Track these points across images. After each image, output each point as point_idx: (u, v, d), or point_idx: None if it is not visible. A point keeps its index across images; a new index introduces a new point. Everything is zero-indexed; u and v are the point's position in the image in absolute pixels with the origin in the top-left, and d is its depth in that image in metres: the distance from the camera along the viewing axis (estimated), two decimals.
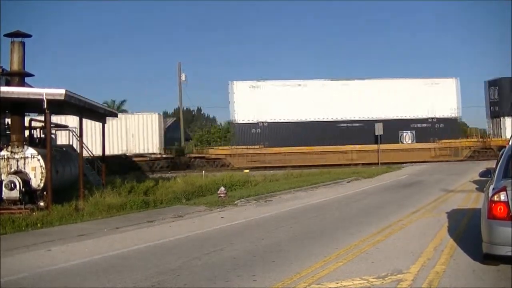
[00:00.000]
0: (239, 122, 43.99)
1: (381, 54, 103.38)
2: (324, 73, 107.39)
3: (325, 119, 43.53)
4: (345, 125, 44.06)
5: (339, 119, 43.89)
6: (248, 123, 43.59)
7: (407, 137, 44.53)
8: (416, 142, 44.13)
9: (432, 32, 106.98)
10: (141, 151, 40.71)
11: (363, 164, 39.41)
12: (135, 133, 40.56)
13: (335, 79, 45.52)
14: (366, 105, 43.56)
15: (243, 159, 42.31)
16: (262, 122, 43.51)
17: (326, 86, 44.59)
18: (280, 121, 43.41)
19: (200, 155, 43.16)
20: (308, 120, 43.40)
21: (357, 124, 43.93)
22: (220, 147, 44.50)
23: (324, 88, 44.22)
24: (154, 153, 41.14)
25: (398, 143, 44.17)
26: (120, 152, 39.94)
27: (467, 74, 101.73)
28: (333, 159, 41.97)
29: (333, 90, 44.07)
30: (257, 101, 43.00)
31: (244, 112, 43.60)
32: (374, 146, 41.09)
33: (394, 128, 43.23)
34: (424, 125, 44.77)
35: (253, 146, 42.80)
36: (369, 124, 42.68)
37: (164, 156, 41.47)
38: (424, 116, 44.73)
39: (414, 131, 44.55)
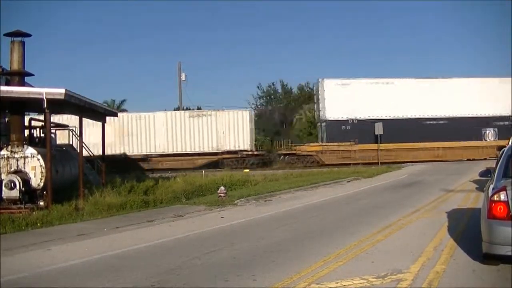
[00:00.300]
0: (329, 119, 44.25)
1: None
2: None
3: (410, 117, 44.03)
4: (430, 122, 44.51)
5: (424, 116, 44.35)
6: (338, 120, 43.86)
7: (490, 134, 45.05)
8: (499, 139, 44.03)
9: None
10: (232, 148, 41.04)
11: (449, 160, 41.41)
12: (226, 130, 40.92)
13: (419, 77, 46.21)
14: (449, 103, 44.02)
15: (334, 156, 42.83)
16: (352, 119, 43.88)
17: (411, 84, 45.03)
18: (369, 118, 43.69)
19: (290, 152, 43.74)
20: (395, 117, 43.81)
21: (442, 122, 44.47)
22: (311, 144, 45.24)
23: (409, 87, 44.69)
24: (245, 150, 41.46)
25: (481, 140, 44.79)
26: (210, 150, 40.48)
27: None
28: (420, 156, 42.79)
29: (418, 88, 44.55)
30: (347, 99, 43.45)
31: (334, 109, 43.91)
32: (460, 143, 42.58)
33: (475, 125, 43.81)
34: (506, 123, 44.94)
35: (343, 143, 43.10)
36: (453, 121, 43.47)
37: (255, 153, 41.85)
38: (505, 114, 44.91)
39: (496, 129, 45.00)
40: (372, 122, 42.36)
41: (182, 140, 40.86)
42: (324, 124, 44.99)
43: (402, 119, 43.82)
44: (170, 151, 40.88)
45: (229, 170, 36.42)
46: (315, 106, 47.80)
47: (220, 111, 42.27)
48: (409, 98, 43.84)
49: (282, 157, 42.98)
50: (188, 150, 40.97)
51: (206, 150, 40.51)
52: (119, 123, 39.68)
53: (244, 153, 41.40)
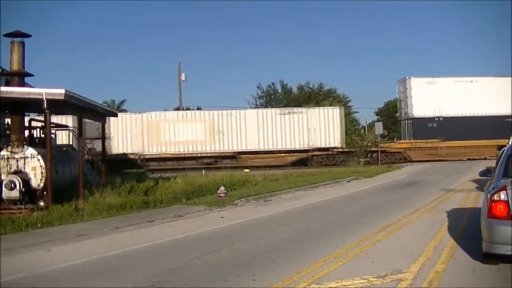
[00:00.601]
0: (415, 117, 44.99)
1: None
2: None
3: (494, 114, 44.27)
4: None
5: (506, 114, 44.38)
6: (425, 118, 44.62)
7: None
8: None
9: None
10: (323, 145, 41.39)
11: None
12: (316, 128, 41.28)
13: (501, 76, 46.18)
14: None
15: (421, 153, 43.41)
16: (438, 117, 44.66)
17: (495, 82, 45.35)
18: (454, 115, 44.43)
19: (380, 149, 43.94)
20: (479, 114, 44.14)
21: None
22: (400, 141, 46.15)
23: (492, 85, 45.02)
24: (335, 147, 41.78)
25: None
26: (301, 147, 40.97)
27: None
28: None
29: (501, 86, 44.68)
30: (432, 97, 44.20)
31: (420, 107, 44.72)
32: None
33: None
34: None
35: (430, 140, 43.74)
36: None
37: (345, 150, 42.23)
38: None
39: None
40: (457, 120, 43.36)
41: (273, 137, 41.29)
42: (410, 121, 45.95)
43: (485, 116, 44.20)
44: (261, 149, 41.28)
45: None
46: (398, 104, 49.41)
47: (311, 109, 42.91)
48: (491, 96, 44.28)
49: (370, 154, 43.57)
50: (280, 147, 41.30)
51: (297, 147, 40.89)
52: (209, 120, 40.57)
53: (335, 150, 41.91)
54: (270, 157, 41.08)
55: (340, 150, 41.89)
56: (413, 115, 45.24)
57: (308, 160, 41.44)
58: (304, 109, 42.33)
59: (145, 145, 40.19)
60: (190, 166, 38.12)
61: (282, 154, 41.20)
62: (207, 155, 40.47)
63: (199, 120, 40.94)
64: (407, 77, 46.35)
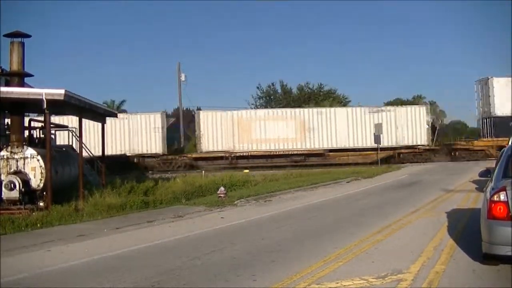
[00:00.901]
0: (497, 115, 45.31)
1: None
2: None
3: None
4: None
5: None
6: (507, 116, 44.57)
7: None
8: None
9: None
10: (410, 143, 42.37)
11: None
12: (404, 125, 42.23)
13: None
14: None
15: None
16: None
17: None
18: None
19: (464, 147, 44.98)
20: None
21: None
22: (484, 139, 46.34)
23: None
24: (422, 145, 42.72)
25: None
26: (389, 145, 41.93)
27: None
28: None
29: None
30: None
31: (502, 106, 44.98)
32: None
33: None
34: None
35: None
36: None
37: (432, 147, 43.17)
38: None
39: None
40: None
41: (362, 135, 42.12)
42: (491, 120, 46.27)
43: None
44: (350, 146, 42.06)
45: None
46: (476, 103, 49.44)
47: (399, 107, 43.94)
48: None
49: (453, 151, 44.14)
50: (368, 145, 42.05)
51: (385, 144, 41.59)
52: (300, 118, 41.33)
53: (422, 147, 42.72)
54: (357, 154, 42.08)
55: (427, 147, 42.78)
56: (495, 113, 45.59)
57: (395, 157, 42.25)
58: (392, 108, 43.50)
59: (235, 142, 40.92)
60: (279, 163, 39.10)
61: (369, 152, 42.04)
62: (297, 152, 41.13)
63: (289, 118, 41.89)
64: (488, 77, 46.70)
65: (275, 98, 62.81)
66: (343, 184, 25.60)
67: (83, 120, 19.25)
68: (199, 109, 52.69)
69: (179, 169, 39.23)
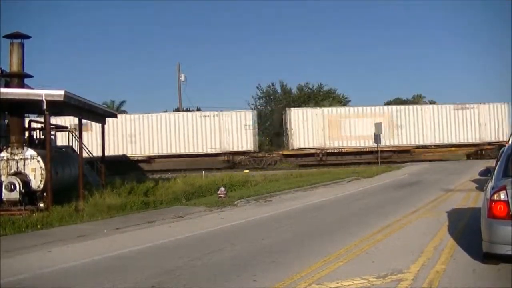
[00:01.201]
0: None
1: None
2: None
3: None
4: None
5: None
6: None
7: None
8: None
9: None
10: (493, 139, 42.70)
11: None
12: (487, 122, 42.98)
13: None
14: None
15: None
16: None
17: None
18: None
19: None
20: None
21: None
22: None
23: None
24: (505, 141, 42.78)
25: None
26: (472, 141, 42.54)
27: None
28: None
29: None
30: None
31: None
32: None
33: None
34: None
35: None
36: None
37: None
38: None
39: None
40: None
41: (447, 131, 42.75)
42: None
43: None
44: (436, 143, 42.77)
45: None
46: None
47: (482, 104, 44.12)
48: None
49: None
50: (453, 142, 42.72)
51: (469, 141, 42.38)
52: (387, 115, 42.08)
53: (504, 144, 42.49)
54: (442, 151, 42.70)
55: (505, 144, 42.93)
56: None
57: (478, 153, 42.65)
58: (475, 105, 43.74)
59: (326, 139, 41.32)
60: (367, 160, 39.82)
61: (454, 148, 42.73)
62: (385, 149, 41.41)
63: (378, 115, 42.21)
64: None
65: (275, 98, 62.80)
66: (343, 184, 25.59)
67: (85, 120, 19.26)
68: (199, 109, 52.61)
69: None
